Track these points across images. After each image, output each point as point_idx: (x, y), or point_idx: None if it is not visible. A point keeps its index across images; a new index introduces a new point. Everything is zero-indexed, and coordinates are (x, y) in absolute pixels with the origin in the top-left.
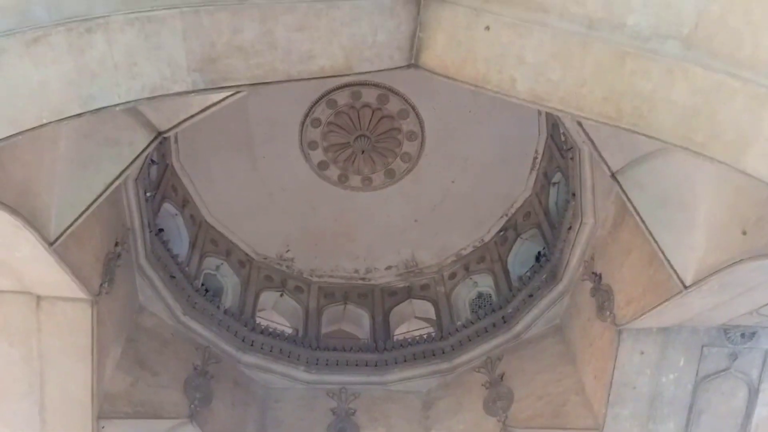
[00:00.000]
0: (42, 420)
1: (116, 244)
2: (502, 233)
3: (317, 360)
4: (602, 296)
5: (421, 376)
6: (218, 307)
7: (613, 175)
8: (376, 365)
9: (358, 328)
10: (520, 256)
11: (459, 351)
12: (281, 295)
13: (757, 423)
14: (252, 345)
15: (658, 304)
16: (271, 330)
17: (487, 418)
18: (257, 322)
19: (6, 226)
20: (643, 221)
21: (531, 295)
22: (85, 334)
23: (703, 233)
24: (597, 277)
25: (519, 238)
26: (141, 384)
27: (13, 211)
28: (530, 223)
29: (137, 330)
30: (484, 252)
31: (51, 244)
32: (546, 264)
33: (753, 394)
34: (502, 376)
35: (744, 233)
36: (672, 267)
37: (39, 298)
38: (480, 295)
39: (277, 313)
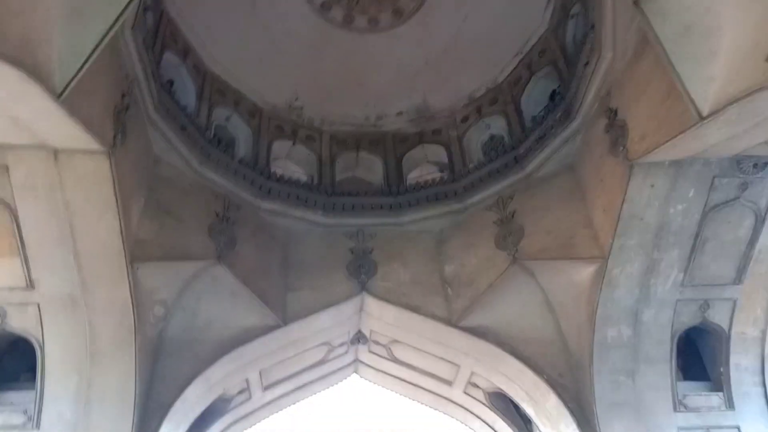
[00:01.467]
0: (78, 265)
1: (123, 96)
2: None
3: (333, 205)
4: (616, 132)
5: (434, 217)
6: (233, 157)
7: (635, 2)
8: (390, 208)
9: (371, 174)
10: (534, 95)
11: (471, 192)
12: (293, 145)
13: (759, 249)
14: (269, 192)
15: (673, 137)
16: (287, 178)
17: (498, 253)
18: (272, 170)
19: (11, 80)
20: (664, 51)
21: (544, 135)
22: (106, 184)
23: (724, 62)
24: (612, 113)
25: (533, 77)
26: (168, 230)
27: (16, 62)
28: (546, 61)
29: (157, 180)
30: (496, 93)
31: (59, 96)
32: (560, 102)
33: (759, 222)
34: (513, 214)
35: (767, 60)
36: (690, 98)
37: (56, 151)
38: (492, 138)
39: (291, 162)
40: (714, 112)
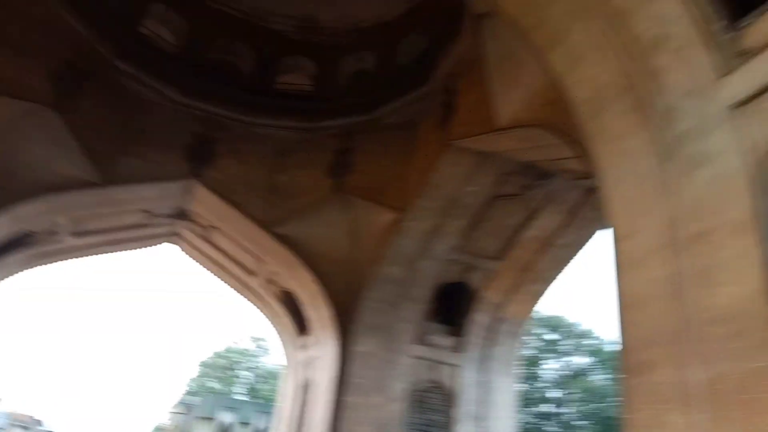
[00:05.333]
0: None
1: None
2: None
3: (193, 85)
4: (448, 111)
5: (285, 128)
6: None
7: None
8: (249, 106)
9: (243, 63)
10: (407, 48)
11: (323, 116)
12: (168, 9)
13: (524, 238)
14: (129, 53)
15: (479, 134)
16: (153, 43)
17: (326, 179)
18: (139, 29)
19: None
20: (489, 67)
21: (403, 86)
22: None
23: (524, 92)
24: (452, 94)
25: (413, 32)
26: (4, 59)
27: None
28: (426, 18)
29: None
30: (382, 30)
31: None
32: (426, 61)
33: (529, 218)
34: (351, 149)
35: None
36: (495, 110)
37: None
38: (360, 73)
39: (163, 28)
40: (508, 128)
